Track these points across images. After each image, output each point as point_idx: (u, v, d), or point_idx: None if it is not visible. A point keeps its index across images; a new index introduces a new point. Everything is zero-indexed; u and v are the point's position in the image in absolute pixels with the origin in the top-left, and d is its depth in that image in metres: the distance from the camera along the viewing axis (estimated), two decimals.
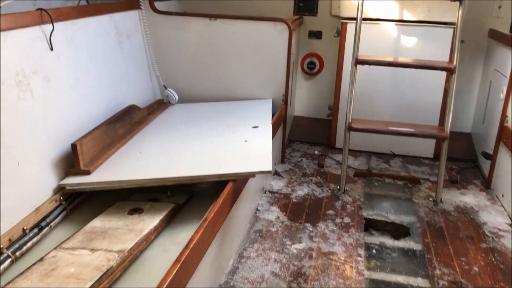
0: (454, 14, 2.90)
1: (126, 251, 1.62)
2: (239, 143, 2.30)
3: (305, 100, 3.97)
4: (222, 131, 2.52)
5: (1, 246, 1.62)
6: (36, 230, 1.79)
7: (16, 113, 1.83)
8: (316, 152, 3.54)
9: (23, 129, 1.86)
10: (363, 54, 2.84)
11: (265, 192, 2.83)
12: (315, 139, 3.78)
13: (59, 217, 1.93)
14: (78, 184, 1.98)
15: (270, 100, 3.12)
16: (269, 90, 3.18)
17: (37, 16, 2.04)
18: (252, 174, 1.97)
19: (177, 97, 3.17)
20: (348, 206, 2.73)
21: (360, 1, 2.75)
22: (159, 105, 3.10)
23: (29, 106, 1.91)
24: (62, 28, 2.22)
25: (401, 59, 2.81)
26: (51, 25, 2.10)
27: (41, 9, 2.08)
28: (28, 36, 1.98)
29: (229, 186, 1.88)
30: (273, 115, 2.93)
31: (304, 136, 3.81)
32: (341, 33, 3.43)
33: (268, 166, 1.96)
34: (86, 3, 2.99)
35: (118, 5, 2.83)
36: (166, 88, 3.18)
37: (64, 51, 2.21)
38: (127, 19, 2.91)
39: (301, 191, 2.89)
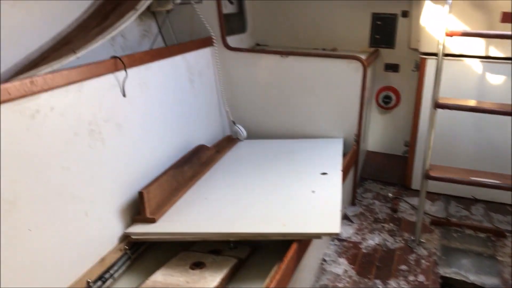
0: None
1: None
2: (306, 194, 2.20)
3: (379, 135, 3.80)
4: (289, 177, 2.44)
5: None
6: (99, 282, 1.80)
7: (86, 163, 1.86)
8: (390, 194, 3.34)
9: (93, 179, 1.89)
10: (443, 97, 2.64)
11: (333, 240, 2.70)
12: (389, 178, 3.58)
13: (123, 267, 1.94)
14: (143, 233, 1.99)
15: (341, 140, 3.00)
16: (340, 129, 3.06)
17: (111, 65, 2.09)
18: (318, 236, 1.87)
19: (245, 134, 3.14)
20: (422, 261, 2.53)
21: (443, 39, 2.57)
22: (228, 142, 3.08)
23: (100, 155, 1.94)
24: (135, 73, 2.25)
25: (486, 104, 2.57)
26: (124, 72, 2.14)
27: (115, 57, 2.12)
28: (102, 85, 2.02)
29: (293, 248, 1.79)
30: (344, 154, 2.81)
31: (377, 174, 3.63)
32: (419, 69, 3.24)
33: (336, 228, 1.84)
34: (163, 44, 3.06)
35: (192, 44, 2.85)
36: (235, 124, 3.16)
37: (136, 96, 2.24)
38: (199, 57, 2.92)
39: (372, 240, 2.73)
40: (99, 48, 2.22)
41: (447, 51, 2.98)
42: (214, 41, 3.04)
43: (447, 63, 2.99)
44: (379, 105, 3.70)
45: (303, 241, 1.90)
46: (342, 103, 3.01)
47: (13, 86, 1.58)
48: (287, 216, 2.00)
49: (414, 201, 3.21)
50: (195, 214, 2.10)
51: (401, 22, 3.50)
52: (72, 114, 1.82)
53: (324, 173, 2.43)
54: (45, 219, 1.64)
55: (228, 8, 3.40)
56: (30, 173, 1.61)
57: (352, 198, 3.20)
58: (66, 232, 1.73)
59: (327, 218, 1.94)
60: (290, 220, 1.95)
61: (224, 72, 3.13)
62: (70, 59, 2.02)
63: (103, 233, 1.92)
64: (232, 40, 3.24)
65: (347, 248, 2.64)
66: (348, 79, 2.95)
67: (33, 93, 1.66)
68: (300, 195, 2.20)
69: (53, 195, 1.69)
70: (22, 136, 1.60)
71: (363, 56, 3.10)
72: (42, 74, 1.76)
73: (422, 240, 2.72)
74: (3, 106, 1.54)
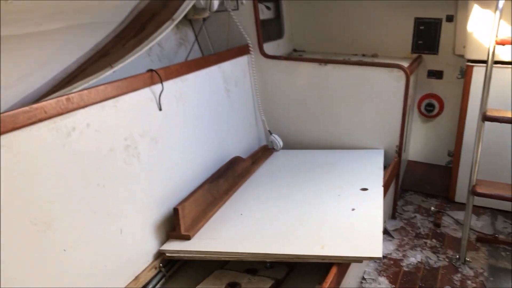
0: None
1: None
2: (346, 212, 2.11)
3: (421, 144, 3.65)
4: (328, 192, 2.35)
5: None
6: None
7: (122, 179, 1.84)
8: (432, 208, 3.20)
9: (128, 195, 1.87)
10: (492, 108, 2.50)
11: None
12: (431, 190, 3.43)
13: (158, 286, 1.91)
14: (178, 251, 1.95)
15: (381, 151, 2.89)
16: (381, 140, 2.94)
17: (147, 78, 2.06)
18: (359, 260, 1.78)
19: (281, 144, 3.06)
20: (468, 281, 2.40)
21: (492, 45, 2.42)
22: (263, 152, 3.01)
23: (135, 170, 1.91)
24: (171, 86, 2.22)
25: None
26: (160, 85, 2.11)
27: (151, 70, 2.10)
28: (138, 99, 2.00)
29: (332, 272, 1.71)
30: (385, 166, 2.70)
31: (419, 186, 3.48)
32: (465, 77, 3.08)
33: (378, 252, 1.75)
34: (200, 52, 3.03)
35: (228, 53, 2.81)
36: (271, 133, 3.09)
37: (172, 109, 2.21)
38: (236, 66, 2.87)
39: (414, 257, 2.61)
40: (135, 57, 2.20)
41: (495, 58, 2.82)
42: (250, 48, 2.98)
43: (496, 70, 2.81)
44: (421, 113, 3.56)
45: (343, 264, 1.82)
46: (383, 113, 2.89)
47: (49, 104, 1.57)
48: (326, 236, 1.92)
49: (458, 215, 3.07)
50: (230, 231, 2.05)
51: (446, 27, 3.35)
52: (108, 130, 1.80)
53: (364, 189, 2.34)
54: (80, 239, 1.62)
55: (265, 14, 3.33)
56: (66, 192, 1.59)
57: (392, 211, 3.08)
58: (100, 251, 1.71)
59: (368, 240, 1.85)
60: (329, 241, 1.87)
61: (260, 80, 3.07)
62: (107, 74, 2.01)
63: (138, 251, 1.89)
64: (268, 46, 3.17)
65: (387, 265, 2.53)
66: (390, 88, 2.83)
67: (69, 111, 1.65)
68: (339, 213, 2.12)
69: (88, 214, 1.67)
70: (58, 154, 1.58)
71: (405, 63, 2.99)
72: (78, 90, 1.74)
73: (467, 259, 2.57)
74: (40, 124, 1.53)
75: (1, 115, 1.39)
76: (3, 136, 1.40)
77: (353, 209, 2.13)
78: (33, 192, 1.48)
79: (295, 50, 3.76)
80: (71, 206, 1.60)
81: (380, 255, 1.74)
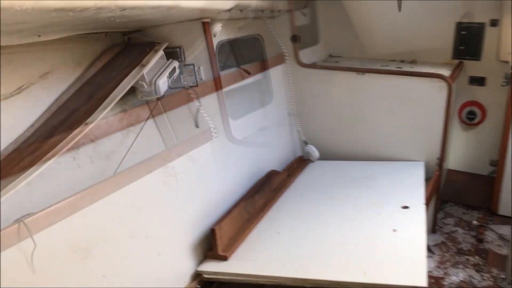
0: None
1: None
2: (387, 233, 2.04)
3: (461, 152, 3.51)
4: (367, 210, 2.29)
5: None
6: None
7: (160, 201, 1.83)
8: (474, 222, 3.08)
9: (166, 216, 1.86)
10: None
11: None
12: (472, 201, 3.31)
13: None
14: (215, 272, 1.93)
15: (422, 164, 2.79)
16: (421, 152, 2.85)
17: (184, 96, 2.04)
18: None
19: (317, 154, 3.00)
20: None
21: None
22: (299, 164, 2.97)
23: (173, 191, 1.90)
24: (207, 102, 2.19)
25: None
26: (197, 102, 2.09)
27: (189, 87, 2.07)
28: (176, 118, 1.99)
29: None
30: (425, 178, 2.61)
31: (460, 197, 3.36)
32: (510, 84, 2.95)
33: (422, 281, 1.68)
34: (235, 61, 2.99)
35: (263, 64, 2.76)
36: (306, 144, 3.04)
37: (208, 125, 2.18)
38: (272, 76, 2.82)
39: (456, 276, 2.51)
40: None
41: None
42: (286, 58, 2.93)
43: None
44: (462, 121, 3.43)
45: None
46: (424, 124, 2.80)
47: (90, 132, 1.56)
48: (367, 260, 1.86)
49: (502, 229, 2.94)
50: (268, 252, 2.01)
51: (489, 31, 3.20)
52: (145, 150, 1.79)
53: (405, 207, 2.26)
54: (118, 264, 1.62)
55: (301, 20, 3.27)
56: (105, 217, 1.59)
57: (432, 225, 2.98)
58: (138, 275, 1.70)
59: (412, 266, 1.78)
60: (371, 267, 1.81)
61: (296, 90, 3.02)
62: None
63: (175, 272, 1.88)
64: (304, 53, 3.11)
65: (428, 284, 2.44)
66: (431, 98, 2.74)
67: (108, 134, 1.64)
68: (380, 234, 2.05)
69: (126, 238, 1.67)
70: (97, 180, 1.58)
71: (446, 70, 2.89)
72: (116, 112, 1.74)
73: None
74: (81, 149, 1.53)
75: (41, 142, 1.39)
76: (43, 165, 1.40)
77: (394, 230, 2.06)
78: (72, 219, 1.48)
79: (331, 56, 3.67)
80: (110, 232, 1.60)
81: (425, 284, 1.67)
